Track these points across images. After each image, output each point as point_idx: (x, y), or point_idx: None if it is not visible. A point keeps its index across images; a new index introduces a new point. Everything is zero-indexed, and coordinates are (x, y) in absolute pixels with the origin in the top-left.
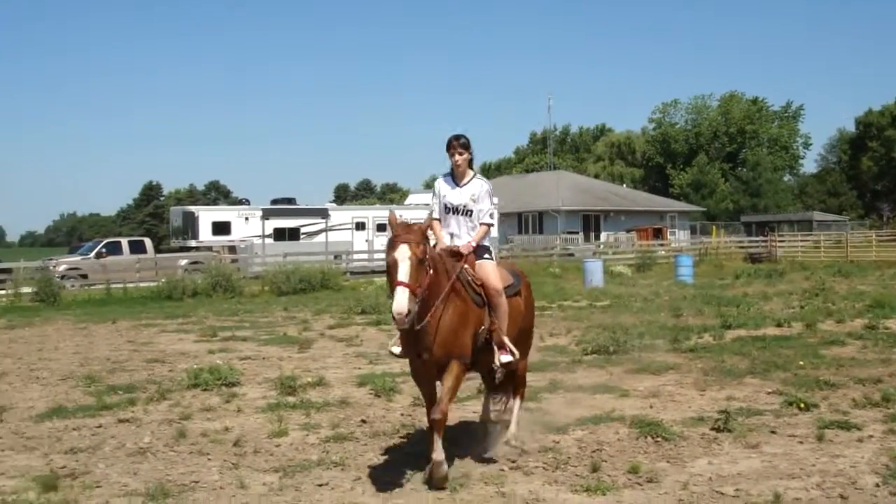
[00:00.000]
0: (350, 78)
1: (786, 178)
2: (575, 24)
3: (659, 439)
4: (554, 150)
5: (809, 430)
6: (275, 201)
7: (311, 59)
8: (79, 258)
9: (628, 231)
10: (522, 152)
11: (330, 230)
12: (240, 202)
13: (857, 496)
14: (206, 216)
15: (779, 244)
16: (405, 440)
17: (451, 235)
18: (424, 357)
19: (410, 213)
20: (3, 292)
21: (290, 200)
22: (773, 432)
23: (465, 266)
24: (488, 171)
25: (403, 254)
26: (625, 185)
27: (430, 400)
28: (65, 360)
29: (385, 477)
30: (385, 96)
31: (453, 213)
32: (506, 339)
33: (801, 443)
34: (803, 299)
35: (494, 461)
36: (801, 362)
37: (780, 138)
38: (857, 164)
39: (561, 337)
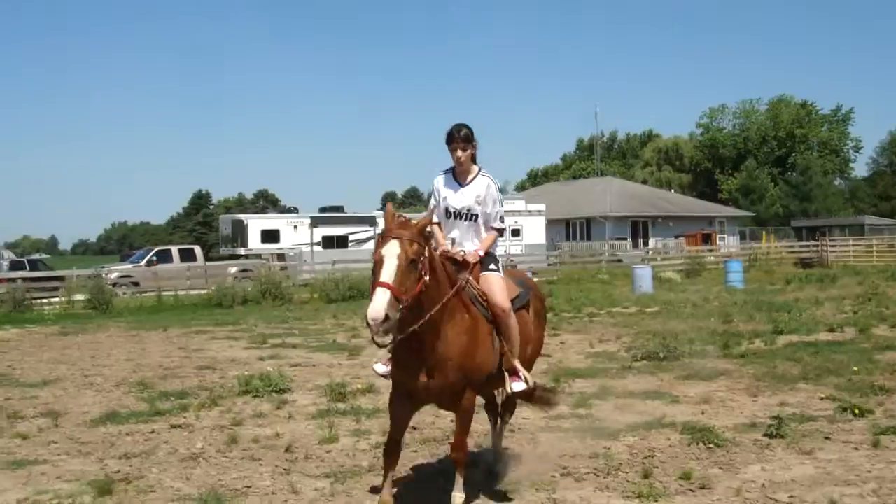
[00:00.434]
0: (397, 86)
1: (836, 182)
2: (621, 30)
3: (711, 445)
4: (601, 156)
5: (864, 436)
6: (323, 209)
7: (358, 68)
8: (130, 266)
9: (677, 237)
10: (570, 159)
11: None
12: (288, 210)
13: None
14: (256, 224)
15: (830, 249)
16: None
17: (454, 241)
18: (426, 381)
19: None
20: (56, 300)
21: (339, 208)
22: (827, 438)
23: (469, 277)
24: (536, 178)
25: (391, 251)
26: (673, 191)
27: (397, 433)
28: (118, 366)
29: (435, 484)
30: (432, 104)
31: (455, 218)
32: (517, 364)
33: (855, 449)
34: (856, 304)
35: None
36: (855, 368)
37: (830, 142)
38: None
39: (611, 343)
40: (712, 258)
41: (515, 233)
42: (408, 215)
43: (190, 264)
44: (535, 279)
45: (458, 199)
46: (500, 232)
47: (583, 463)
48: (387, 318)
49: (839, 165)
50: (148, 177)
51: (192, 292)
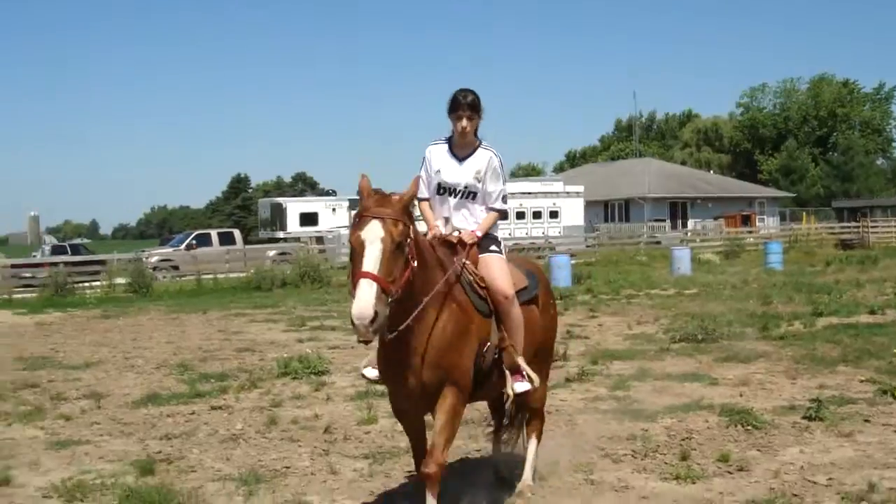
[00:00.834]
0: (432, 67)
1: (879, 162)
2: (660, 8)
3: (749, 428)
4: (639, 137)
5: None
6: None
7: (395, 48)
8: (170, 250)
9: (716, 218)
10: (608, 140)
11: (417, 220)
12: (327, 193)
13: None
14: (294, 207)
15: (871, 230)
16: (493, 428)
17: (446, 221)
18: (409, 382)
19: None
20: (97, 284)
21: (376, 191)
22: (866, 421)
23: (466, 262)
24: (574, 160)
25: (373, 233)
26: (712, 172)
27: (418, 442)
28: (158, 349)
29: (474, 465)
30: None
31: (450, 195)
32: (521, 361)
33: (895, 432)
34: None
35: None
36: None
37: (872, 121)
38: None
39: (649, 325)
40: (751, 240)
41: (553, 215)
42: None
43: (229, 248)
44: (573, 262)
45: (455, 173)
46: (502, 214)
47: (621, 445)
48: (375, 315)
49: (881, 145)
50: (187, 161)
51: (231, 275)
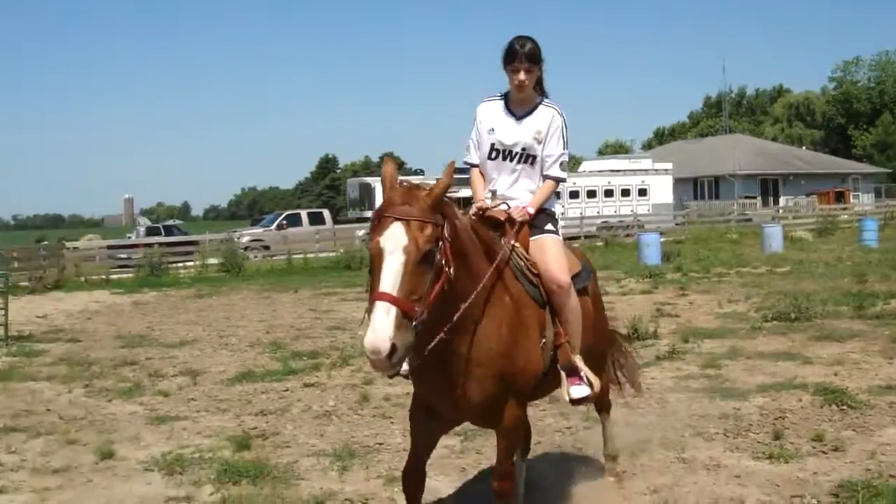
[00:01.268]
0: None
1: None
2: None
3: (844, 407)
4: (729, 113)
5: None
6: None
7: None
8: (261, 230)
9: (808, 195)
10: (697, 116)
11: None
12: (414, 173)
13: None
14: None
15: None
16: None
17: (494, 194)
18: (454, 395)
19: (585, 180)
20: (191, 264)
21: (465, 170)
22: None
23: (516, 244)
24: (662, 137)
25: (394, 241)
26: (804, 148)
27: (424, 452)
28: (251, 327)
29: (563, 442)
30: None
31: (504, 159)
32: (578, 361)
33: None
34: None
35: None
36: None
37: None
38: None
39: (740, 303)
40: (845, 216)
41: (642, 192)
42: (416, 180)
43: (319, 227)
44: (662, 239)
45: (512, 133)
46: (558, 183)
47: (712, 423)
48: (394, 348)
49: None
50: (276, 143)
51: (321, 255)
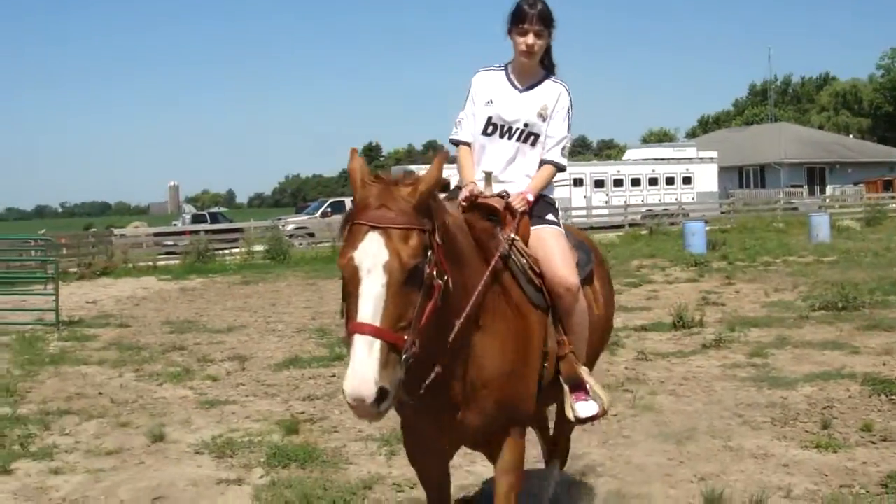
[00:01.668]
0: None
1: None
2: None
3: (893, 397)
4: (775, 101)
5: None
6: None
7: None
8: (305, 217)
9: (856, 184)
10: (742, 104)
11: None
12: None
13: None
14: None
15: None
16: (629, 392)
17: (488, 176)
18: (448, 420)
19: (630, 168)
20: (236, 250)
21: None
22: None
23: (516, 237)
24: (706, 125)
25: (372, 256)
26: (851, 136)
27: (439, 494)
28: (297, 313)
29: (609, 428)
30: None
31: (502, 136)
32: (585, 374)
33: None
34: None
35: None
36: None
37: None
38: None
39: (787, 292)
40: (894, 206)
41: (687, 181)
42: (398, 170)
43: None
44: (707, 228)
45: (514, 106)
46: (559, 169)
47: (759, 412)
48: (382, 393)
49: None
50: (320, 130)
51: None
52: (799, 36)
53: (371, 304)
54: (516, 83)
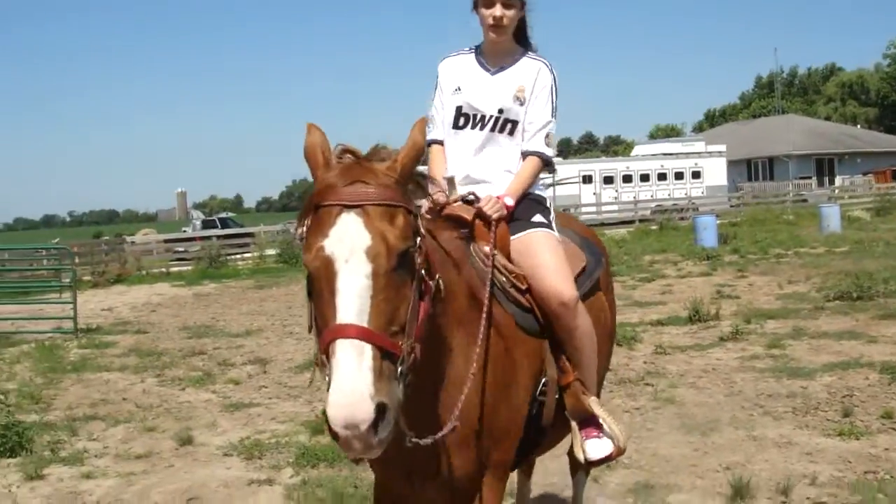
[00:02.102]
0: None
1: None
2: None
3: None
4: (781, 93)
5: None
6: None
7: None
8: None
9: (865, 174)
10: (748, 97)
11: (557, 184)
12: None
13: None
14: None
15: None
16: (650, 386)
17: (451, 181)
18: (422, 484)
19: (638, 164)
20: (248, 255)
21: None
22: None
23: (496, 252)
24: (713, 119)
25: (351, 243)
26: (859, 126)
27: None
28: None
29: (633, 421)
30: (605, 48)
31: (474, 126)
32: (594, 406)
33: None
34: None
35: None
36: None
37: None
38: None
39: (800, 284)
40: None
41: (696, 175)
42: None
43: None
44: (717, 222)
45: (485, 92)
46: (547, 163)
47: (780, 402)
48: (382, 410)
49: None
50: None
51: None
52: (804, 27)
53: (355, 300)
54: (487, 65)
